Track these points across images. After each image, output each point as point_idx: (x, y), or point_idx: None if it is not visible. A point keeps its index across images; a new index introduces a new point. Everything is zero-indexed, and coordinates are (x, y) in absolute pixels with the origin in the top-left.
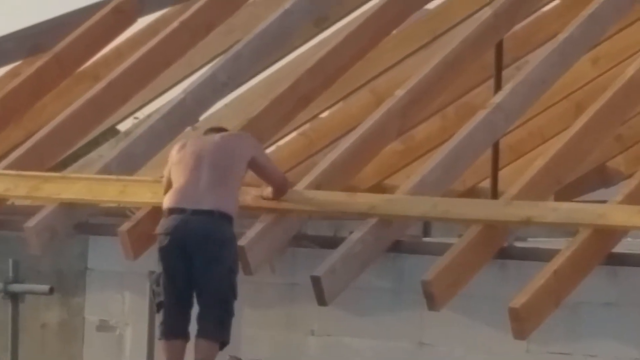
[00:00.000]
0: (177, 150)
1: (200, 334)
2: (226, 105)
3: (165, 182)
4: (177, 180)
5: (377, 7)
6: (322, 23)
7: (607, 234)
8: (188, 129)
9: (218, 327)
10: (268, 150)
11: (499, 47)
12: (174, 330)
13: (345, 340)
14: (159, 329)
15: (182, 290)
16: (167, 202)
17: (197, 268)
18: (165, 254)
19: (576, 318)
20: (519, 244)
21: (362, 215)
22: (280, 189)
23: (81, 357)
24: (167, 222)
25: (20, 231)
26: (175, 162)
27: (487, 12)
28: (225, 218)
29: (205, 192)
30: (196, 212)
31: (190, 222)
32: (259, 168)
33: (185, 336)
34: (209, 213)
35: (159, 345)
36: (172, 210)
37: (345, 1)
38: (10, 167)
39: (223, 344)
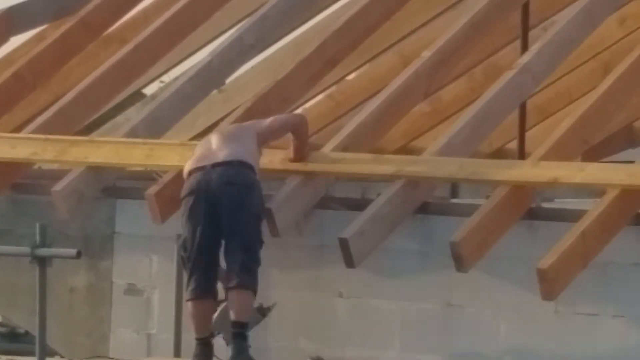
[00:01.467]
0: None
1: (231, 284)
2: (253, 67)
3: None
4: (195, 155)
5: None
6: None
7: (635, 194)
8: (214, 92)
9: (246, 274)
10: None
11: (526, 8)
12: (202, 290)
13: (373, 302)
14: (186, 291)
15: (210, 247)
16: (187, 168)
17: (223, 217)
18: (192, 213)
19: (604, 279)
20: (546, 205)
21: (389, 177)
22: (300, 128)
23: (109, 320)
24: (189, 182)
25: (47, 195)
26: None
27: None
28: (245, 165)
29: (221, 149)
30: (215, 165)
31: (211, 173)
32: (271, 130)
33: (213, 295)
34: (228, 163)
35: (187, 308)
36: (192, 172)
37: None
38: (37, 131)
39: (253, 292)
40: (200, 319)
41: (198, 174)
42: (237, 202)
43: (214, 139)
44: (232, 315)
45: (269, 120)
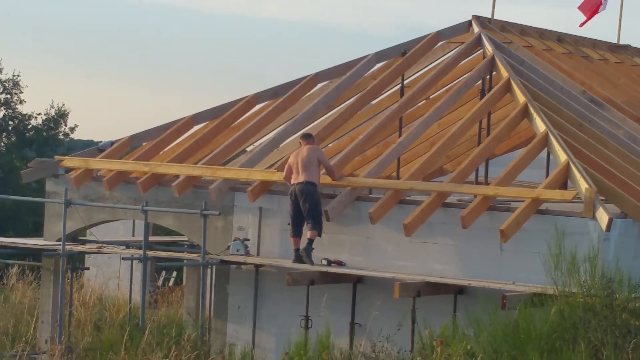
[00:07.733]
0: (292, 156)
1: (307, 227)
2: (291, 139)
3: (287, 169)
4: (294, 172)
5: (354, 100)
6: (330, 107)
7: (443, 195)
8: (274, 150)
9: (313, 225)
10: None
11: (400, 120)
12: (295, 233)
13: (339, 236)
14: (290, 232)
15: (298, 219)
16: (292, 180)
17: (302, 205)
18: (291, 203)
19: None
20: (408, 198)
21: (345, 185)
22: (330, 174)
23: (231, 239)
24: (290, 188)
25: (207, 190)
26: (291, 162)
27: (394, 105)
28: (309, 183)
29: (302, 172)
30: (299, 183)
31: (297, 187)
32: (321, 164)
33: (299, 235)
34: (302, 182)
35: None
36: (292, 185)
37: (340, 99)
38: (203, 164)
39: (318, 234)
40: (295, 244)
41: (292, 186)
42: (305, 198)
43: (298, 165)
44: (307, 236)
45: (326, 161)
